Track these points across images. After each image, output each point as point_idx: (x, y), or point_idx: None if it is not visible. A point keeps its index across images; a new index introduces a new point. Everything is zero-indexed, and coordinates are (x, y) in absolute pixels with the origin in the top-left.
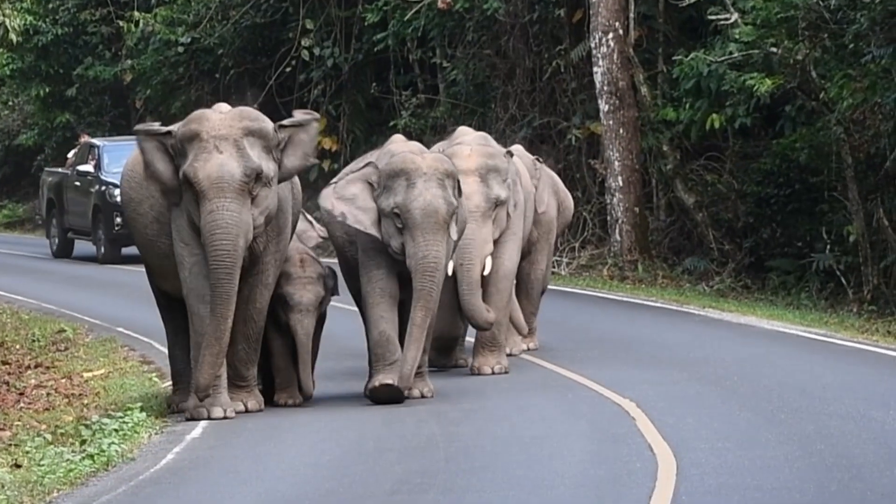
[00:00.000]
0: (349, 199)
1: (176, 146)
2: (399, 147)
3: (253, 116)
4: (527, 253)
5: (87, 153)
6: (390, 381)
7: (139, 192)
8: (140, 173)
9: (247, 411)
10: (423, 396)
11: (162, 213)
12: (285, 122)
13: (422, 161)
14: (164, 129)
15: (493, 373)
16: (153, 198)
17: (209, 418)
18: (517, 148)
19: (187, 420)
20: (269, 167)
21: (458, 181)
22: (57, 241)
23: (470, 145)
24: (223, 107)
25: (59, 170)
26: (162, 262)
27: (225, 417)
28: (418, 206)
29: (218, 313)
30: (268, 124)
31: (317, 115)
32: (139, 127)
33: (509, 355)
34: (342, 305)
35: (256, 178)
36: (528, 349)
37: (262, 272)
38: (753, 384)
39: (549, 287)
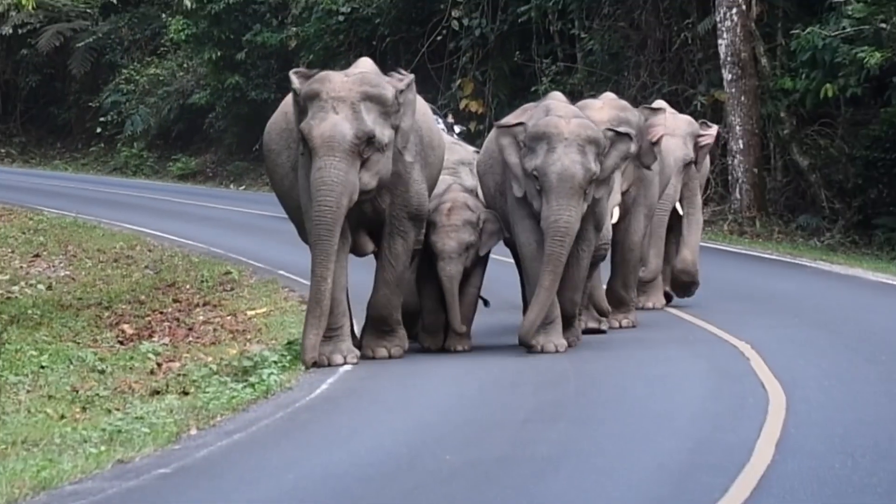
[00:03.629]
0: (490, 151)
1: (300, 103)
2: (553, 106)
3: (374, 83)
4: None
5: None
6: (551, 350)
7: (278, 142)
8: (281, 122)
9: (390, 357)
10: (556, 350)
11: (297, 165)
12: (402, 87)
13: (565, 126)
14: (298, 85)
15: (621, 326)
16: (290, 149)
17: (329, 365)
18: (660, 104)
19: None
20: (383, 133)
21: (604, 147)
22: None
23: (602, 98)
24: (365, 63)
25: None
26: (296, 214)
27: (345, 363)
28: (555, 170)
29: (317, 274)
30: (387, 91)
31: (411, 75)
32: (293, 71)
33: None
34: (496, 256)
35: (368, 141)
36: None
37: (393, 222)
38: (858, 329)
39: None
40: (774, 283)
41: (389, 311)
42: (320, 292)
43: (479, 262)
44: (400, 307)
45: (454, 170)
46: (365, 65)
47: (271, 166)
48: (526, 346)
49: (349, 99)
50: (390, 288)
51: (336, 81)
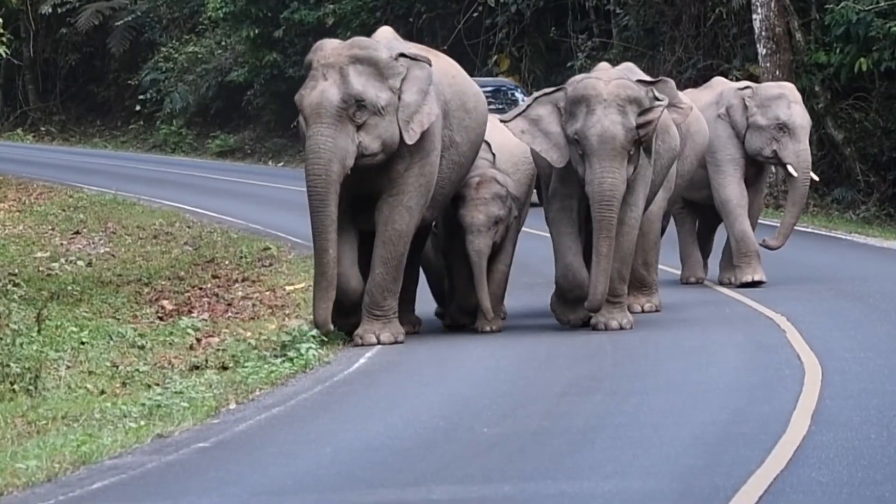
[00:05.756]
0: (534, 119)
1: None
2: (594, 73)
3: (364, 45)
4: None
5: None
6: (582, 316)
7: None
8: None
9: (378, 343)
10: (621, 328)
11: None
12: (405, 51)
13: (603, 87)
14: None
15: (643, 310)
16: None
17: (362, 344)
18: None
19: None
20: (377, 95)
21: (647, 106)
22: None
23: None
24: (384, 31)
25: None
26: None
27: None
28: (595, 132)
29: (317, 245)
30: (379, 53)
31: (426, 57)
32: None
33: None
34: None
35: (359, 104)
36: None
37: (402, 193)
38: (894, 301)
39: None
40: (810, 256)
41: (384, 296)
42: (324, 263)
43: (507, 240)
44: (397, 293)
45: None
46: (384, 33)
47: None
48: (593, 315)
49: (338, 64)
50: (388, 269)
51: (327, 48)
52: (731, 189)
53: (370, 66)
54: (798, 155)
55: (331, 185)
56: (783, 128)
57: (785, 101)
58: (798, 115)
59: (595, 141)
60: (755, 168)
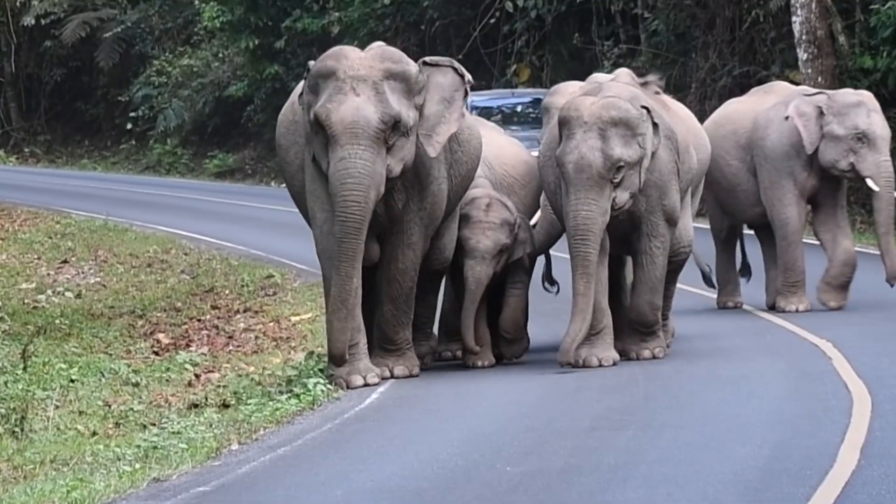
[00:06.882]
0: (549, 141)
1: (310, 82)
2: (591, 87)
3: (396, 58)
4: None
5: None
6: (595, 364)
7: (287, 137)
8: (289, 115)
9: (392, 377)
10: (654, 357)
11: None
12: (428, 59)
13: (586, 108)
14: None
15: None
16: (298, 144)
17: (348, 387)
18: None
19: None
20: (408, 115)
21: (640, 127)
22: None
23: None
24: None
25: None
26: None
27: (365, 385)
28: (571, 160)
29: (342, 272)
30: (411, 68)
31: (458, 67)
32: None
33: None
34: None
35: (394, 126)
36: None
37: (404, 231)
38: None
39: (749, 233)
40: (857, 276)
41: (396, 330)
42: (346, 291)
43: (520, 263)
44: (409, 325)
45: None
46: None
47: (282, 164)
48: (566, 363)
49: (371, 78)
50: (397, 305)
51: (353, 58)
52: (791, 210)
53: (402, 82)
54: (879, 166)
55: (367, 214)
56: (862, 138)
57: (864, 109)
58: (878, 124)
59: (571, 169)
60: (823, 183)
